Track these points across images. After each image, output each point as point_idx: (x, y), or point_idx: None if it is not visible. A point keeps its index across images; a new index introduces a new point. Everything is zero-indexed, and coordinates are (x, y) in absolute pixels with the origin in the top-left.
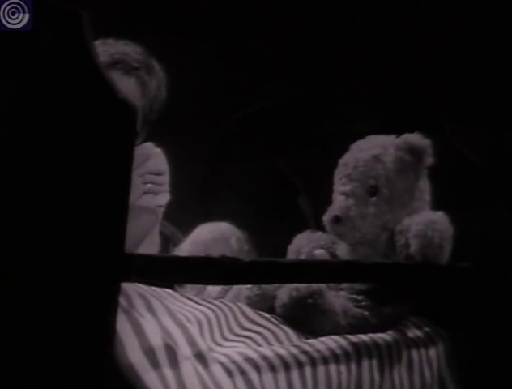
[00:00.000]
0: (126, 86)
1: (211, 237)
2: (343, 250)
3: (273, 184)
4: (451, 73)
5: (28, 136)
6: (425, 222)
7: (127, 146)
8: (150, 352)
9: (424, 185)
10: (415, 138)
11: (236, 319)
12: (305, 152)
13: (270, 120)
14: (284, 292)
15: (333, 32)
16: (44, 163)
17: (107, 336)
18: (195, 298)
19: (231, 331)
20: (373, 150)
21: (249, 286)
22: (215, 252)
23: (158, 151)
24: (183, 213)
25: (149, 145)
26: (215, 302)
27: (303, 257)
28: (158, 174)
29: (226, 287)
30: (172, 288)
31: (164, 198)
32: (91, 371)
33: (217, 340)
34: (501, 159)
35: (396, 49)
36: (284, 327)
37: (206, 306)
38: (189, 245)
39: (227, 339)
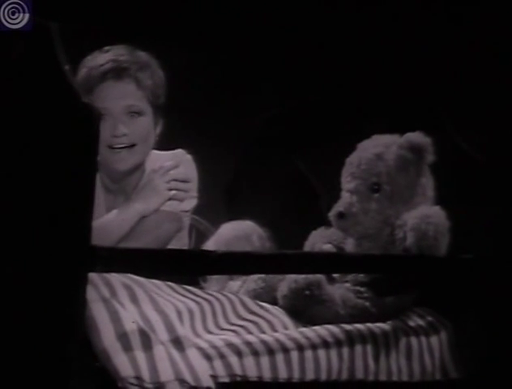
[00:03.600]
0: (119, 88)
1: (234, 234)
2: (349, 245)
3: (294, 184)
4: (453, 71)
5: None
6: (420, 216)
7: (90, 144)
8: (123, 337)
9: (427, 182)
10: (416, 136)
11: (234, 309)
12: (322, 152)
13: (291, 121)
14: (284, 284)
15: (339, 35)
16: (12, 162)
17: (75, 323)
18: (192, 289)
19: (226, 319)
20: (375, 149)
21: (255, 280)
22: (238, 249)
23: (188, 158)
24: (209, 212)
25: (180, 152)
26: (214, 293)
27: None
28: (185, 181)
29: (243, 282)
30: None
31: (189, 204)
32: (60, 357)
33: (209, 328)
34: (501, 155)
35: (399, 48)
36: (282, 317)
37: (202, 297)
38: (213, 243)
39: (221, 328)
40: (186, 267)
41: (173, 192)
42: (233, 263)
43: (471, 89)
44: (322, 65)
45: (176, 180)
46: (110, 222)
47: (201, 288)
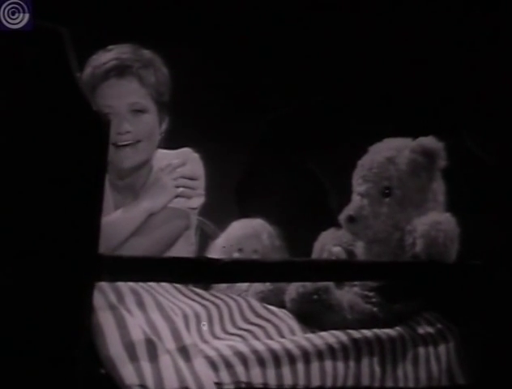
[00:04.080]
0: (122, 86)
1: (244, 233)
2: (359, 248)
3: (304, 183)
4: (468, 76)
5: (8, 143)
6: (430, 223)
7: (100, 152)
8: (129, 346)
9: (438, 187)
10: (429, 141)
11: (241, 313)
12: (334, 153)
13: (302, 121)
14: (293, 288)
15: (355, 36)
16: (21, 169)
17: (80, 331)
18: (200, 292)
19: (233, 324)
20: (387, 152)
21: None
22: (247, 247)
23: (195, 156)
24: (220, 211)
25: (187, 151)
26: (221, 296)
27: (325, 253)
28: (192, 179)
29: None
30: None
31: (197, 202)
32: (66, 364)
33: (216, 333)
34: None
35: (415, 51)
36: (290, 321)
37: (209, 300)
38: (223, 241)
39: (227, 332)
40: (192, 275)
41: (181, 189)
42: (239, 271)
43: (486, 94)
44: (338, 65)
45: (183, 177)
46: (118, 220)
47: (209, 289)
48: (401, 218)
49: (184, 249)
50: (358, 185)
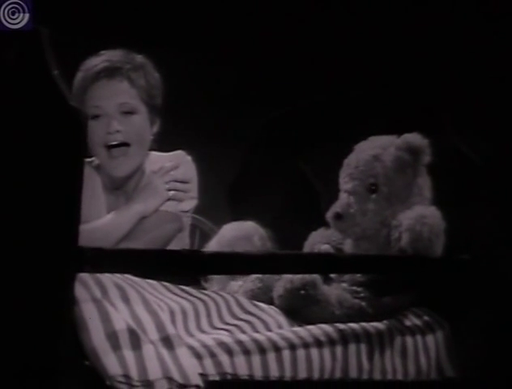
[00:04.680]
0: (112, 87)
1: (235, 235)
2: (348, 245)
3: (295, 185)
4: (452, 72)
5: None
6: (415, 217)
7: (77, 146)
8: (112, 337)
9: (424, 182)
10: (413, 137)
11: (229, 309)
12: (323, 153)
13: (292, 124)
14: (280, 284)
15: (337, 36)
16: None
17: (63, 323)
18: (188, 289)
19: (221, 319)
20: (373, 150)
21: (252, 280)
22: (239, 249)
23: (188, 159)
24: (212, 213)
25: (181, 153)
26: (209, 293)
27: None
28: (184, 182)
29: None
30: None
31: (189, 205)
32: (49, 356)
33: (203, 328)
34: (499, 156)
35: (398, 49)
36: (278, 317)
37: (197, 297)
38: (215, 243)
39: (214, 327)
40: (174, 267)
41: (172, 192)
42: (221, 264)
43: (470, 90)
44: (322, 67)
45: (175, 181)
46: (110, 223)
47: (200, 288)
48: (388, 214)
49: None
50: (345, 183)
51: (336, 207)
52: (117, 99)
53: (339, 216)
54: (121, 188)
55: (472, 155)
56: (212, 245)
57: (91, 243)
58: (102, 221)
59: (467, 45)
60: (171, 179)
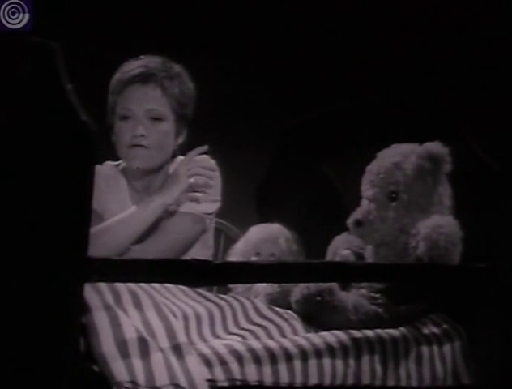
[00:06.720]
0: (144, 92)
1: (261, 237)
2: (368, 251)
3: (321, 188)
4: (473, 81)
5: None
6: (432, 226)
7: (88, 158)
8: (122, 344)
9: (444, 191)
10: (434, 146)
11: (245, 313)
12: (347, 160)
13: (318, 128)
14: (297, 290)
15: (362, 44)
16: (11, 173)
17: (70, 330)
18: (204, 293)
19: (236, 324)
20: (394, 158)
21: (271, 284)
22: (265, 251)
23: (212, 162)
24: (238, 216)
25: (205, 158)
26: (226, 298)
27: (337, 257)
28: (207, 169)
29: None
30: None
31: (211, 207)
32: (56, 361)
33: (217, 333)
34: None
35: (421, 58)
36: (293, 322)
37: (213, 301)
38: (242, 246)
39: (229, 332)
40: (183, 277)
41: (191, 193)
42: (230, 274)
43: (490, 98)
44: (348, 74)
45: (198, 166)
46: (131, 216)
47: (227, 292)
48: (407, 222)
49: (201, 252)
50: (366, 190)
51: (357, 214)
52: (147, 104)
53: (358, 223)
54: (146, 190)
55: (492, 163)
56: (238, 247)
57: (116, 234)
58: (122, 215)
59: (487, 55)
60: (194, 165)
